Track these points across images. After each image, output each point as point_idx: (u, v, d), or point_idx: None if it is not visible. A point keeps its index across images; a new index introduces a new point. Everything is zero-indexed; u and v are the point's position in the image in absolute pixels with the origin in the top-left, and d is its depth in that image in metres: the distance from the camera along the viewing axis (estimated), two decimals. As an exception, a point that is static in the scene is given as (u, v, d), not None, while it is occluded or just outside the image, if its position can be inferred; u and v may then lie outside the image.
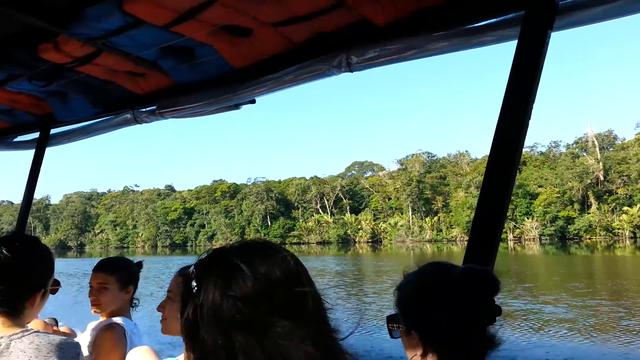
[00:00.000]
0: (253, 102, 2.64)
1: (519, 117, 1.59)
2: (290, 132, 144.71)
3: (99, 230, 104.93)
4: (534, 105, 1.61)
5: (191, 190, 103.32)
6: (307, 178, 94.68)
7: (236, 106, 2.69)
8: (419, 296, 1.13)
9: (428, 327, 1.10)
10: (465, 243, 1.60)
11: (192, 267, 0.74)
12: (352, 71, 2.14)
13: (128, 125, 3.02)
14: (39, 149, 3.45)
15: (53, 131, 3.47)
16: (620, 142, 75.36)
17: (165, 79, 2.63)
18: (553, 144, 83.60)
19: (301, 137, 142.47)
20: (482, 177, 1.66)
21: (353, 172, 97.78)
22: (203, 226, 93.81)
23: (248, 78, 2.44)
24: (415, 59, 2.02)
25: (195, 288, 0.71)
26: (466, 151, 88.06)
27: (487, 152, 1.66)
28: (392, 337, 1.21)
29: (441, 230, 76.75)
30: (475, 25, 1.87)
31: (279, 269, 0.71)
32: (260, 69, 2.37)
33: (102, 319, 2.14)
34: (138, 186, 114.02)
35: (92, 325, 2.13)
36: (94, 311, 2.14)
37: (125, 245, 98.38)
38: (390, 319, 1.21)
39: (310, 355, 0.67)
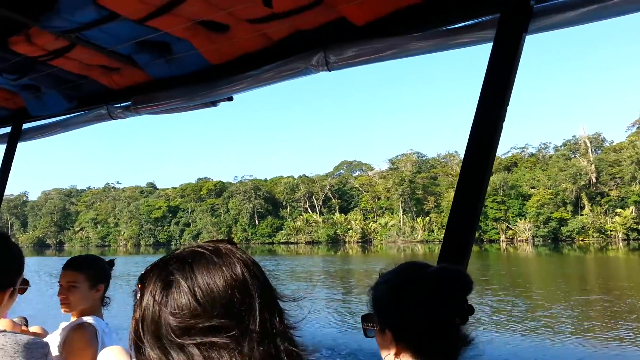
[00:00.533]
0: (230, 99, 2.61)
1: (493, 119, 1.60)
2: (277, 129, 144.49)
3: (78, 228, 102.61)
4: (511, 107, 1.62)
5: (175, 188, 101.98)
6: (296, 177, 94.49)
7: (213, 103, 2.66)
8: (392, 295, 1.13)
9: (401, 326, 1.10)
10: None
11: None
12: (330, 70, 2.13)
13: (103, 121, 2.95)
14: (11, 143, 3.37)
15: (25, 126, 3.40)
16: (608, 145, 75.88)
17: (141, 74, 2.58)
18: (542, 146, 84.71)
19: (288, 135, 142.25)
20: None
21: (342, 171, 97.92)
22: (188, 225, 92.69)
23: (225, 75, 2.41)
24: (392, 59, 2.02)
25: (138, 301, 0.68)
26: (455, 152, 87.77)
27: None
28: (366, 336, 1.20)
29: (433, 231, 76.22)
30: (453, 26, 1.88)
31: (223, 278, 0.66)
32: (238, 66, 2.35)
33: (73, 318, 2.09)
34: (120, 183, 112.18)
35: (63, 324, 2.08)
36: (64, 310, 2.10)
37: (106, 243, 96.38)
38: (364, 318, 1.20)
39: None
